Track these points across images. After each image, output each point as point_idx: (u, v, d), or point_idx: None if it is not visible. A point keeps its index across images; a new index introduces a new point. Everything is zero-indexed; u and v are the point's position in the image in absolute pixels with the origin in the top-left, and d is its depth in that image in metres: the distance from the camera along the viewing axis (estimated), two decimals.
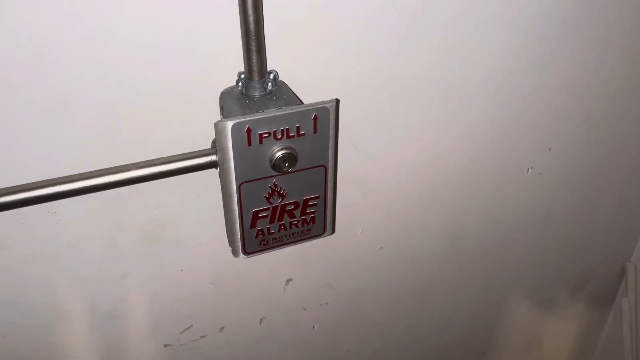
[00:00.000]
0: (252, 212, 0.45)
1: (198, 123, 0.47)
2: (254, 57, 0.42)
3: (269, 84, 0.44)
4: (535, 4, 0.54)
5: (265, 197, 0.45)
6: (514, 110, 0.62)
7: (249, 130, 0.40)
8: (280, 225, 0.47)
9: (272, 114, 0.40)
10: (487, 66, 0.56)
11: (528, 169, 0.69)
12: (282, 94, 0.45)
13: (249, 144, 0.40)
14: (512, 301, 0.89)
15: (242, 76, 0.44)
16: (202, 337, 0.65)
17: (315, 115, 0.41)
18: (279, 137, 0.41)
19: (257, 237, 0.47)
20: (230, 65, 0.45)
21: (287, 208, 0.46)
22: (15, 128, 0.42)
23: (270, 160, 0.42)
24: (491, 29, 0.54)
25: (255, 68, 0.43)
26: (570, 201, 0.77)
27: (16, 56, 0.39)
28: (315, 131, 0.42)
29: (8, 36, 0.38)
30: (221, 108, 0.45)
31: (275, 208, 0.46)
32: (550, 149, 0.68)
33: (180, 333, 0.63)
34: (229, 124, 0.39)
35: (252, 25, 0.41)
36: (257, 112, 0.41)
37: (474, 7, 0.51)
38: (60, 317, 0.54)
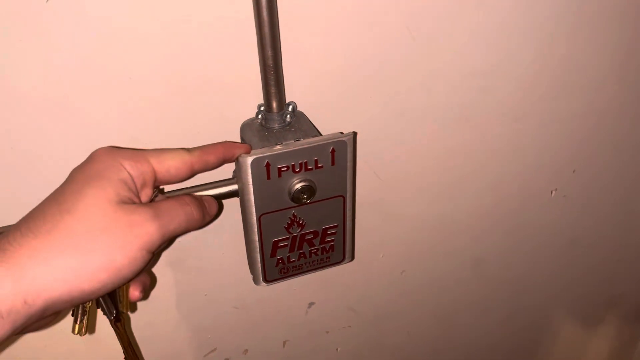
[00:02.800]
0: (272, 242, 0.46)
1: None
2: (273, 90, 0.44)
3: (288, 115, 0.45)
4: (553, 30, 0.54)
5: (285, 227, 0.45)
6: (535, 135, 0.61)
7: (267, 165, 0.41)
8: (300, 253, 0.48)
9: (291, 149, 0.41)
10: (506, 92, 0.56)
11: (552, 192, 0.68)
12: (300, 125, 0.46)
13: (268, 177, 0.41)
14: (539, 327, 0.87)
15: (262, 108, 0.45)
16: (226, 359, 0.65)
17: (332, 148, 0.42)
18: (298, 170, 0.42)
19: (277, 265, 0.48)
20: (250, 98, 0.46)
21: (307, 237, 0.47)
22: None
23: (289, 193, 0.43)
24: (509, 57, 0.54)
25: (273, 101, 0.44)
26: (597, 223, 0.76)
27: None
28: (333, 163, 0.43)
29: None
30: (242, 140, 0.46)
31: (294, 237, 0.47)
32: (574, 170, 0.67)
33: (205, 356, 0.64)
34: (249, 159, 0.40)
35: (270, 61, 0.42)
36: (276, 145, 0.42)
37: (491, 34, 0.51)
38: (86, 340, 0.55)
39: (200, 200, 0.40)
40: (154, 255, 0.37)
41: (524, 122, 0.59)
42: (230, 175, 0.46)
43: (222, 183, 0.45)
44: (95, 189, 0.34)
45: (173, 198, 0.38)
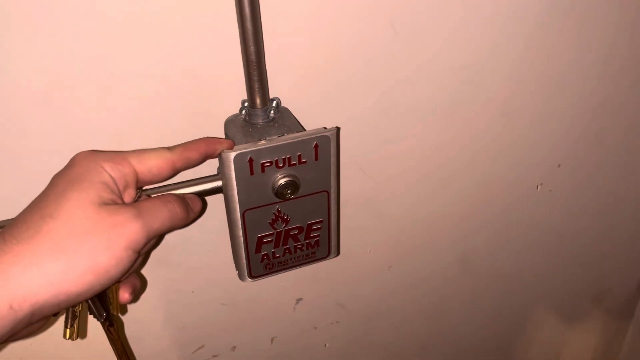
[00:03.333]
0: (256, 238, 0.46)
1: None
2: (256, 85, 0.44)
3: (272, 111, 0.45)
4: (539, 24, 0.54)
5: (269, 222, 0.46)
6: (521, 129, 0.62)
7: (250, 161, 0.41)
8: (285, 249, 0.48)
9: (274, 144, 0.41)
10: (492, 87, 0.56)
11: (537, 186, 0.69)
12: (284, 120, 0.46)
13: (252, 173, 0.41)
14: (527, 320, 0.88)
15: (246, 104, 0.45)
16: (214, 356, 0.65)
17: (316, 143, 0.42)
18: (281, 165, 0.42)
19: (262, 261, 0.48)
20: (234, 94, 0.46)
21: (292, 233, 0.47)
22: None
23: (273, 188, 0.43)
24: (495, 51, 0.54)
25: (257, 97, 0.44)
26: (583, 218, 0.76)
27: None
28: (317, 159, 0.43)
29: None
30: (226, 136, 0.46)
31: (279, 233, 0.47)
32: (559, 165, 0.68)
33: (193, 353, 0.64)
34: (232, 155, 0.40)
35: (253, 57, 0.42)
36: (259, 140, 0.42)
37: (476, 28, 0.52)
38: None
39: (183, 198, 0.40)
40: (140, 255, 0.37)
41: (510, 117, 0.60)
42: (215, 172, 0.46)
43: (207, 179, 0.44)
44: (77, 192, 0.34)
45: (156, 197, 0.38)
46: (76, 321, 0.38)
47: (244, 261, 0.47)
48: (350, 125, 0.52)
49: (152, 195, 0.40)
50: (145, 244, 0.35)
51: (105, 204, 0.34)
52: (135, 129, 0.45)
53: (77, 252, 0.32)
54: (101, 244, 0.33)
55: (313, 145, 0.42)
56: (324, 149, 0.43)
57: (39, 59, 0.39)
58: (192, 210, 0.41)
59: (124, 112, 0.44)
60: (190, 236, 0.53)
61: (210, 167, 0.47)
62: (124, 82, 0.42)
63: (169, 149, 0.39)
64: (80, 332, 0.38)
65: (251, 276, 0.48)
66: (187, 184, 0.44)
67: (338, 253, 0.52)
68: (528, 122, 0.61)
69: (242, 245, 0.46)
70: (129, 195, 0.37)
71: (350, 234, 0.60)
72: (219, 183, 0.44)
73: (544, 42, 0.56)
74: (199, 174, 0.45)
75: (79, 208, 0.33)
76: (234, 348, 0.66)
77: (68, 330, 0.38)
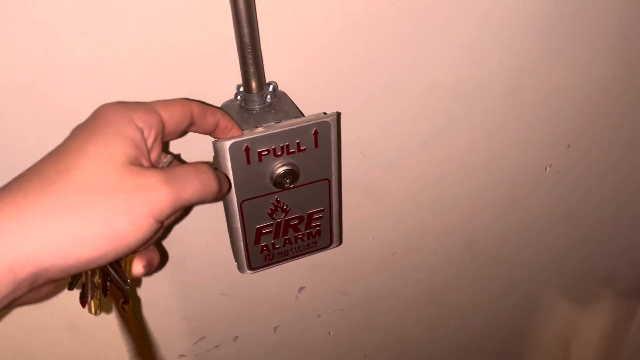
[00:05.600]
0: (255, 229, 0.44)
1: (199, 138, 0.46)
2: (251, 69, 0.41)
3: (268, 96, 0.43)
4: (545, 1, 0.52)
5: (268, 213, 0.44)
6: (528, 109, 0.59)
7: (247, 149, 0.39)
8: (285, 239, 0.46)
9: (271, 132, 0.39)
10: (496, 66, 0.54)
11: (546, 167, 0.66)
12: (281, 105, 0.43)
13: (248, 162, 0.39)
14: (534, 302, 0.87)
15: (241, 89, 0.43)
16: (216, 347, 0.64)
17: (315, 130, 0.40)
18: (279, 153, 0.40)
19: (262, 252, 0.46)
20: (229, 79, 0.44)
21: (292, 223, 0.45)
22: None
23: (271, 178, 0.41)
24: (500, 27, 0.51)
25: (252, 81, 0.42)
26: (591, 199, 0.74)
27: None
28: (316, 146, 0.41)
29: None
30: None
31: (279, 223, 0.45)
32: (568, 145, 0.65)
33: (194, 344, 0.63)
34: (227, 143, 0.38)
35: (247, 39, 0.39)
36: (256, 127, 0.40)
37: (480, 4, 0.49)
38: (74, 330, 0.54)
39: (217, 171, 0.37)
40: (163, 226, 0.33)
41: (516, 95, 0.57)
42: (210, 159, 0.45)
43: None
44: (98, 146, 0.30)
45: (188, 164, 0.34)
46: (98, 292, 0.33)
47: (243, 253, 0.45)
48: (351, 108, 0.50)
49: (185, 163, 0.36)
50: (170, 214, 0.31)
51: (130, 162, 0.30)
52: None
53: (93, 213, 0.28)
54: (120, 207, 0.29)
55: (312, 132, 0.40)
56: (324, 135, 0.41)
57: (20, 44, 0.37)
58: (224, 185, 0.37)
59: (114, 99, 0.42)
60: (187, 226, 0.52)
61: (205, 152, 0.45)
62: (113, 68, 0.40)
63: (188, 99, 0.36)
64: (103, 306, 0.34)
65: (251, 268, 0.47)
66: None
67: (340, 242, 0.50)
68: (535, 100, 0.59)
69: (241, 236, 0.44)
70: (156, 151, 0.34)
71: (353, 221, 0.59)
72: None
73: (553, 20, 0.53)
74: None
75: (99, 164, 0.29)
76: (235, 338, 0.65)
77: (92, 303, 0.33)
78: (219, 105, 0.44)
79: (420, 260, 0.69)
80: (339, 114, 0.41)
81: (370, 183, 0.57)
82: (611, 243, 0.84)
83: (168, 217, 0.31)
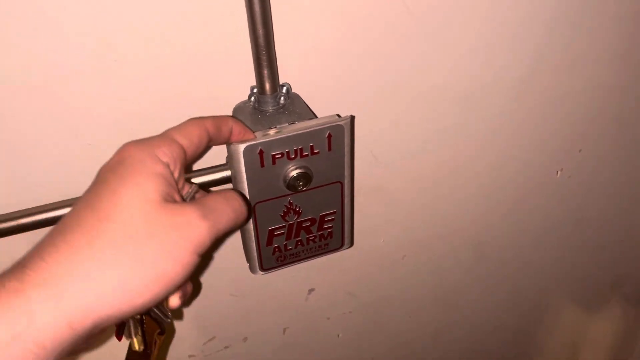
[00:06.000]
0: (267, 231, 0.44)
1: None
2: (265, 71, 0.41)
3: (282, 97, 0.43)
4: (560, 3, 0.51)
5: (281, 215, 0.44)
6: (540, 112, 0.59)
7: (261, 152, 0.39)
8: (297, 241, 0.46)
9: (284, 135, 0.39)
10: (507, 70, 0.54)
11: (557, 172, 0.66)
12: (295, 107, 0.44)
13: (262, 165, 0.39)
14: (543, 306, 0.86)
15: (255, 91, 0.43)
16: (226, 347, 0.64)
17: (329, 133, 0.40)
18: (293, 157, 0.40)
19: (273, 254, 0.46)
20: (243, 80, 0.44)
21: (304, 225, 0.45)
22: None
23: (285, 180, 0.41)
24: (511, 31, 0.51)
25: (266, 82, 0.42)
26: (602, 204, 0.74)
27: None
28: (330, 149, 0.41)
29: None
30: None
31: (291, 225, 0.45)
32: (580, 150, 0.65)
33: (204, 344, 0.63)
34: (241, 147, 0.38)
35: (261, 41, 0.40)
36: (269, 129, 0.40)
37: (491, 10, 0.49)
38: None
39: (243, 195, 0.37)
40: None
41: (528, 99, 0.57)
42: (223, 161, 0.45)
43: (215, 169, 0.43)
44: (131, 188, 0.30)
45: (216, 194, 0.34)
46: (142, 328, 0.34)
47: (255, 254, 0.45)
48: (363, 109, 0.50)
49: (210, 192, 0.37)
50: (209, 246, 0.32)
51: (164, 200, 0.30)
52: (141, 117, 0.43)
53: (140, 259, 0.28)
54: (166, 250, 0.29)
55: (326, 135, 0.40)
56: (338, 138, 0.41)
57: (36, 46, 0.37)
58: (250, 209, 0.37)
59: (129, 100, 0.42)
60: None
61: (216, 156, 0.45)
62: (128, 69, 0.40)
63: (199, 117, 0.36)
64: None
65: (262, 269, 0.47)
66: (196, 173, 0.42)
67: (352, 244, 0.50)
68: (547, 104, 0.59)
69: (253, 238, 0.44)
70: (181, 181, 0.34)
71: (363, 224, 0.59)
72: (228, 173, 0.42)
73: (565, 24, 0.53)
74: (204, 164, 0.43)
75: (136, 208, 0.29)
76: (245, 339, 0.65)
77: (135, 340, 0.34)
78: (232, 106, 0.45)
79: (430, 263, 0.69)
80: (352, 117, 0.41)
81: (380, 185, 0.57)
82: (621, 248, 0.83)
83: (207, 249, 0.32)
